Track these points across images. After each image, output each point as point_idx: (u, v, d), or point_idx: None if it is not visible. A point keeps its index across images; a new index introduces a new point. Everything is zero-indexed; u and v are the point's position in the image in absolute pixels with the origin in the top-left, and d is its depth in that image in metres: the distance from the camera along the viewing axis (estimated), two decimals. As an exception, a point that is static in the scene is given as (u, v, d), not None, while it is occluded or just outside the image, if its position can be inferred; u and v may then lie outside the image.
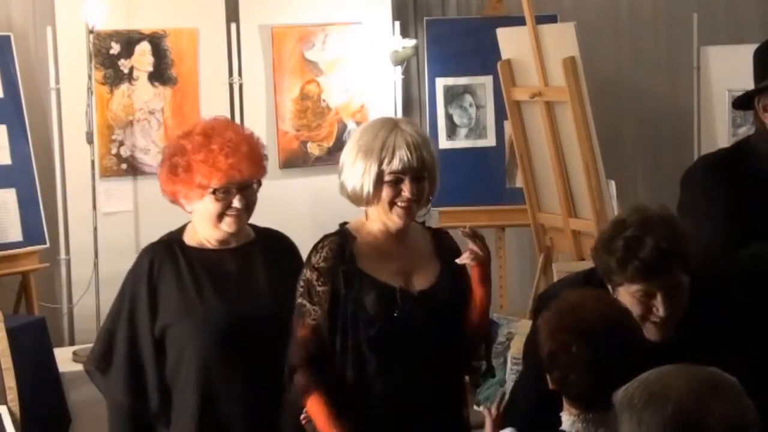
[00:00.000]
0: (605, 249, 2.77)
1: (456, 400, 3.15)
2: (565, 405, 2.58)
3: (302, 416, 3.05)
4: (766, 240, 3.21)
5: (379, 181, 3.01)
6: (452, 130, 6.52)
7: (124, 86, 5.91)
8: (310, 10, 6.30)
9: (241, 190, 3.21)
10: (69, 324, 5.90)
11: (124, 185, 5.93)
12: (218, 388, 3.21)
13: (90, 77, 5.64)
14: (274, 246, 3.35)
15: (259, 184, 3.27)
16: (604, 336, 2.51)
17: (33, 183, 5.72)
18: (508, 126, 6.25)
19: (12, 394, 4.55)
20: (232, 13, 6.17)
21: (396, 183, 3.01)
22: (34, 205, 5.71)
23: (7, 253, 5.60)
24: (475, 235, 3.05)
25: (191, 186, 3.20)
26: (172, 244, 3.29)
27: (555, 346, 2.53)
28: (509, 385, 3.55)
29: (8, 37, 5.76)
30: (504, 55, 6.04)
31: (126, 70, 5.91)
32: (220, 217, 3.22)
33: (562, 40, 5.58)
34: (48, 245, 5.78)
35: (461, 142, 6.50)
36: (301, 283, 3.06)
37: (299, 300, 3.05)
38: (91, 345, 4.88)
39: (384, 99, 6.46)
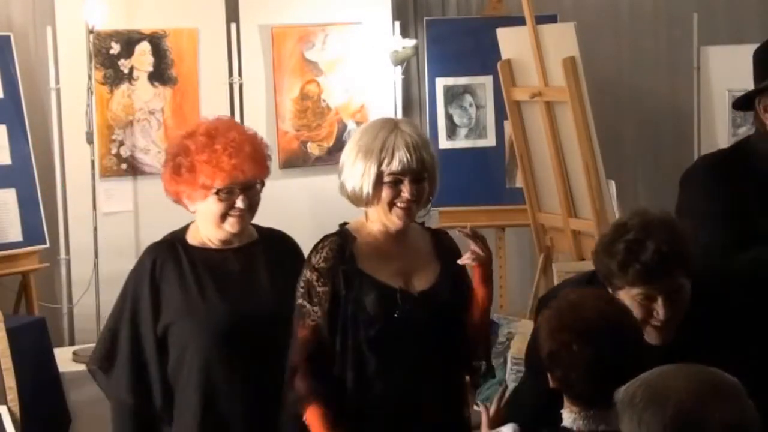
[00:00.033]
0: (606, 252, 2.77)
1: (456, 400, 3.15)
2: (566, 403, 2.59)
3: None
4: (766, 240, 3.21)
5: (378, 181, 3.01)
6: (452, 130, 6.52)
7: (124, 86, 5.91)
8: (310, 10, 6.30)
9: (245, 191, 3.21)
10: (69, 324, 5.90)
11: (124, 185, 5.93)
12: (220, 388, 3.21)
13: (90, 77, 5.64)
14: (276, 246, 3.35)
15: (263, 184, 3.28)
16: (605, 335, 2.51)
17: (33, 183, 5.72)
18: (508, 126, 6.25)
19: (12, 394, 4.55)
20: (232, 13, 6.17)
21: (395, 184, 3.02)
22: (34, 205, 5.71)
23: (7, 253, 5.60)
24: (476, 236, 3.05)
25: (194, 186, 3.20)
26: (175, 244, 3.30)
27: (556, 345, 2.53)
28: (510, 385, 3.55)
29: (8, 37, 5.76)
30: (504, 55, 6.04)
31: (126, 70, 5.91)
32: (224, 217, 3.22)
33: (562, 40, 5.58)
34: (48, 245, 5.78)
35: (461, 142, 6.50)
36: (302, 284, 3.06)
37: (299, 300, 3.05)
38: (91, 345, 4.88)
39: (384, 99, 6.46)
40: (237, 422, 3.22)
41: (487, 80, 6.43)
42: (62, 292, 5.89)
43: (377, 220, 3.08)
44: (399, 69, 6.45)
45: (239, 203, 3.20)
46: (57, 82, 5.80)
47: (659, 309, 2.74)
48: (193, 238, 3.31)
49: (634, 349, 2.53)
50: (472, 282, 3.13)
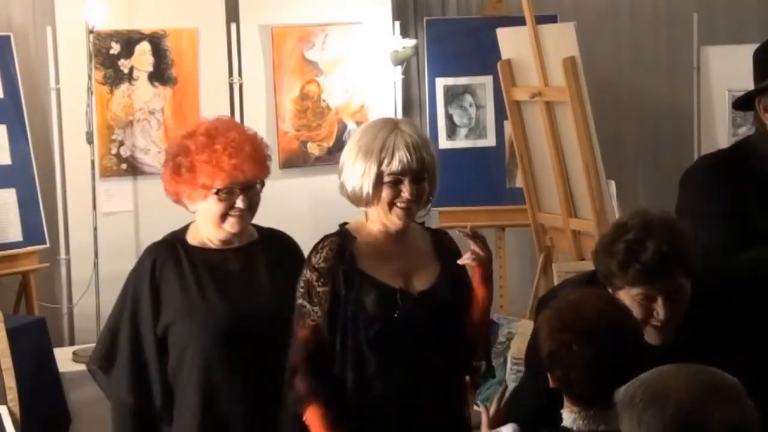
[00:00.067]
0: (606, 252, 2.77)
1: (456, 400, 3.15)
2: (566, 403, 2.59)
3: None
4: (766, 240, 3.21)
5: (378, 181, 3.01)
6: (452, 130, 6.52)
7: (124, 86, 5.91)
8: (310, 10, 6.30)
9: (245, 191, 3.21)
10: (69, 324, 5.90)
11: (124, 185, 5.93)
12: (220, 388, 3.21)
13: (90, 77, 5.63)
14: (276, 246, 3.35)
15: (263, 184, 3.28)
16: (605, 335, 2.51)
17: (33, 183, 5.72)
18: (508, 126, 6.25)
19: (12, 394, 4.55)
20: (232, 13, 6.17)
21: (395, 184, 3.02)
22: (34, 205, 5.71)
23: (7, 253, 5.60)
24: (476, 236, 3.05)
25: (194, 186, 3.20)
26: (175, 244, 3.30)
27: (556, 345, 2.54)
28: (510, 385, 3.55)
29: (8, 37, 5.76)
30: (504, 55, 6.04)
31: (126, 70, 5.90)
32: (224, 217, 3.22)
33: (562, 40, 5.58)
34: (48, 245, 5.78)
35: (461, 142, 6.50)
36: (302, 284, 3.06)
37: (299, 301, 3.05)
38: (91, 345, 4.88)
39: (384, 99, 6.46)
40: (237, 422, 3.22)
41: (487, 80, 6.43)
42: (62, 292, 5.89)
43: (377, 220, 3.08)
44: (399, 69, 6.45)
45: (239, 203, 3.20)
46: (57, 82, 5.80)
47: (659, 309, 2.74)
48: (193, 238, 3.31)
49: (634, 349, 2.53)
50: (473, 282, 3.13)
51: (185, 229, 3.34)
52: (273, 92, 6.22)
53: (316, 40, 6.31)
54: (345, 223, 3.15)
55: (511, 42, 5.99)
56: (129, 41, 5.91)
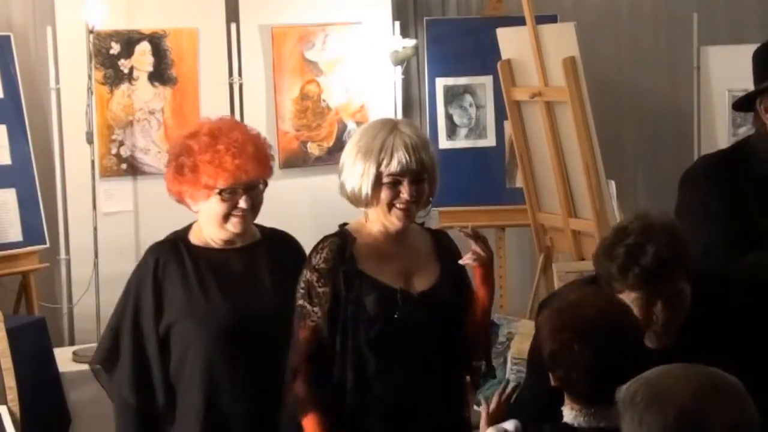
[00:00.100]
0: (606, 255, 2.77)
1: (457, 400, 3.15)
2: (567, 401, 2.59)
3: None
4: (766, 240, 3.21)
5: (377, 182, 3.01)
6: (452, 130, 6.51)
7: (124, 86, 5.91)
8: (310, 10, 6.30)
9: (247, 191, 3.21)
10: (69, 324, 5.89)
11: (124, 185, 5.93)
12: (222, 388, 3.22)
13: (90, 77, 5.63)
14: (279, 246, 3.35)
15: (265, 184, 3.28)
16: (605, 334, 2.51)
17: (33, 183, 5.72)
18: (508, 126, 6.25)
19: (12, 394, 4.55)
20: (232, 13, 6.17)
21: (394, 185, 3.02)
22: (34, 205, 5.71)
23: (7, 253, 5.60)
24: (477, 236, 3.05)
25: (197, 186, 3.20)
26: (177, 243, 3.30)
27: (557, 345, 2.54)
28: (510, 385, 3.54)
29: (8, 37, 5.76)
30: (504, 55, 6.04)
31: (126, 70, 5.90)
32: (226, 217, 3.22)
33: (562, 40, 5.58)
34: (48, 245, 5.78)
35: (461, 142, 6.50)
36: (302, 285, 3.06)
37: (300, 302, 3.05)
38: (91, 345, 4.88)
39: (384, 99, 6.45)
40: (240, 422, 3.22)
41: (487, 80, 6.43)
42: (62, 292, 5.89)
43: (377, 221, 3.08)
44: (399, 69, 6.45)
45: (242, 203, 3.20)
46: (57, 82, 5.80)
47: (659, 313, 2.74)
48: (195, 238, 3.31)
49: (635, 348, 2.53)
50: (473, 282, 3.13)
51: (188, 228, 3.34)
52: (273, 92, 6.22)
53: (316, 40, 6.31)
54: (345, 224, 3.15)
55: (511, 42, 5.99)
56: (129, 41, 5.91)
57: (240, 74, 6.16)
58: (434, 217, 6.25)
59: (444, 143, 6.41)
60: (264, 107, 6.22)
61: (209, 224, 3.26)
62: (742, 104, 3.46)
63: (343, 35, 6.35)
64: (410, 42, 6.41)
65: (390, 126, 3.05)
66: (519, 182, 6.23)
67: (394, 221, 3.05)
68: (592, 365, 2.50)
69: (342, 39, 6.35)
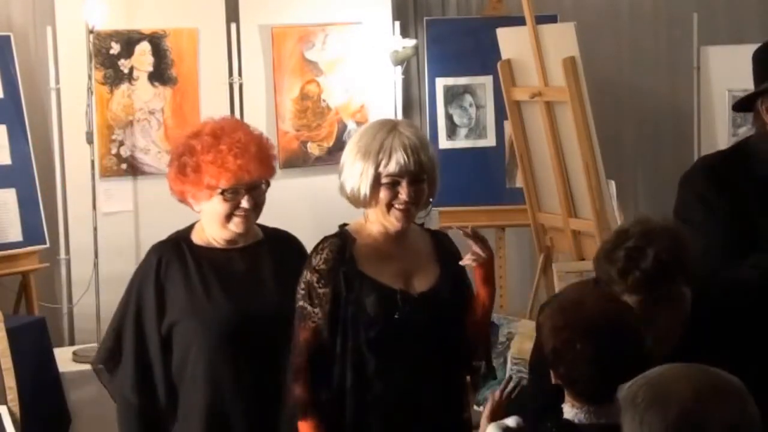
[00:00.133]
0: (607, 259, 2.77)
1: (456, 401, 3.15)
2: (568, 398, 2.59)
3: None
4: (766, 240, 3.21)
5: (376, 183, 3.01)
6: (452, 130, 6.51)
7: (124, 86, 5.91)
8: (310, 10, 6.30)
9: (250, 191, 3.21)
10: (69, 324, 5.90)
11: (124, 185, 5.93)
12: (224, 387, 3.22)
13: (90, 77, 5.63)
14: (281, 246, 3.36)
15: (268, 184, 3.28)
16: (607, 333, 2.52)
17: (33, 183, 5.72)
18: (508, 126, 6.25)
19: (12, 394, 4.55)
20: (232, 13, 6.17)
21: (393, 185, 3.01)
22: (34, 205, 5.71)
23: (7, 253, 5.60)
24: (477, 236, 3.05)
25: (200, 186, 3.20)
26: (180, 243, 3.30)
27: (558, 343, 2.54)
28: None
29: (8, 37, 5.76)
30: (504, 55, 6.04)
31: (126, 70, 5.91)
32: (229, 217, 3.22)
33: (562, 40, 5.58)
34: (48, 245, 5.78)
35: (461, 142, 6.50)
36: (302, 286, 3.06)
37: (300, 303, 3.05)
38: (91, 345, 4.88)
39: (384, 99, 6.45)
40: (241, 421, 3.22)
41: (487, 80, 6.43)
42: (62, 292, 5.89)
43: (377, 221, 3.08)
44: (399, 69, 6.45)
45: (244, 203, 3.20)
46: (57, 82, 5.80)
47: (659, 317, 2.73)
48: (198, 238, 3.31)
49: (636, 346, 2.53)
50: (474, 283, 3.13)
51: (190, 228, 3.34)
52: (273, 92, 6.22)
53: (316, 40, 6.31)
54: (345, 224, 3.15)
55: (511, 42, 5.99)
56: (129, 41, 5.91)
57: (240, 74, 6.17)
58: (434, 218, 6.25)
59: (444, 143, 6.41)
60: (264, 107, 6.22)
61: (212, 224, 3.27)
62: (742, 105, 3.46)
63: (343, 35, 6.35)
64: (410, 42, 6.41)
65: (389, 126, 3.05)
66: (519, 182, 6.23)
67: (393, 222, 3.05)
68: (594, 363, 2.50)
69: (342, 39, 6.35)
